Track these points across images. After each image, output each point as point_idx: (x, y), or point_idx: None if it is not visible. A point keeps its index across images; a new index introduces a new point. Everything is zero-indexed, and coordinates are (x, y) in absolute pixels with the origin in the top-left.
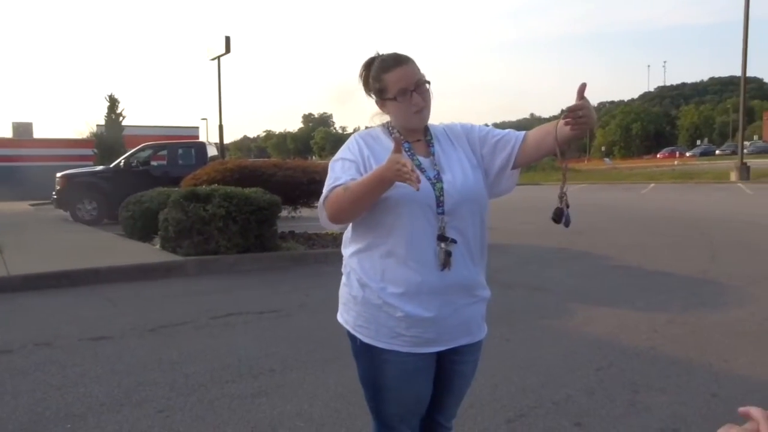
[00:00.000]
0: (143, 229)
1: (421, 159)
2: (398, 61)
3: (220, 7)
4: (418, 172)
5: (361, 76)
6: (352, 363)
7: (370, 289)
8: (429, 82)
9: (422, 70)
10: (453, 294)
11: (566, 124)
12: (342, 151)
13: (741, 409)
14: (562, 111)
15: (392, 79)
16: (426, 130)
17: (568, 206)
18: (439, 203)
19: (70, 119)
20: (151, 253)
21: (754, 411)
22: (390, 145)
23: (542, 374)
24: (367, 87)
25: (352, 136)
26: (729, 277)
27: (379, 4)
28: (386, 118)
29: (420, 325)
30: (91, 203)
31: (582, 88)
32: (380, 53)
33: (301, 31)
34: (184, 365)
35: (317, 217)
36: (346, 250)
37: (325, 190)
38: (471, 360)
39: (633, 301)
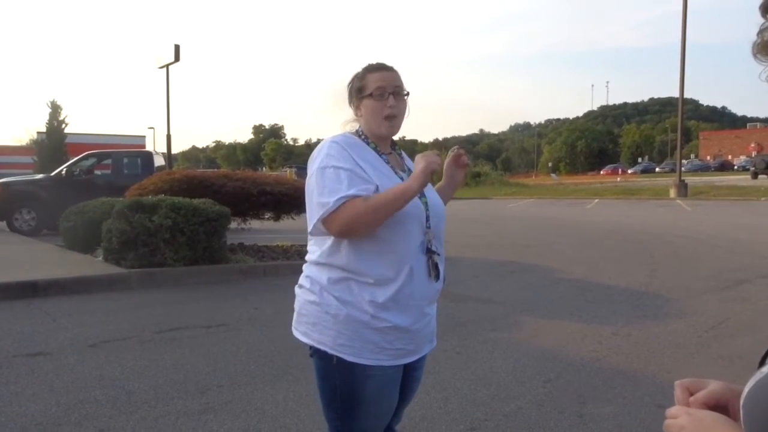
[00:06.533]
0: (85, 240)
1: (401, 173)
2: (384, 66)
3: (169, 15)
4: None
5: (349, 85)
6: (303, 377)
7: (355, 306)
8: (408, 93)
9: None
10: (428, 305)
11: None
12: (329, 158)
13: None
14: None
15: (373, 78)
16: (394, 143)
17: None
18: (427, 217)
19: (8, 125)
20: (93, 265)
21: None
22: (370, 152)
23: (493, 387)
24: (351, 94)
25: (330, 140)
26: (669, 291)
27: (335, 17)
28: (357, 126)
29: (405, 337)
30: (29, 213)
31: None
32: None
33: (253, 41)
34: (127, 382)
35: (268, 229)
36: (323, 271)
37: (330, 200)
38: (424, 365)
39: (579, 314)
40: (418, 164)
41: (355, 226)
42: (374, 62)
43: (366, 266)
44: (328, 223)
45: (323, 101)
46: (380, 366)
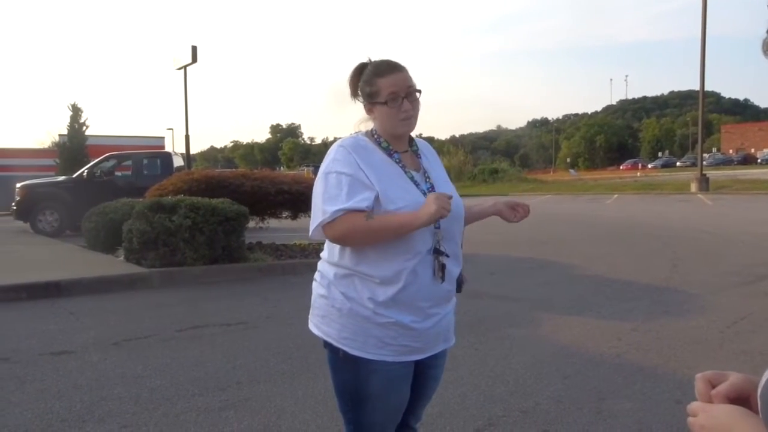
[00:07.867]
0: (107, 240)
1: (413, 173)
2: (392, 67)
3: (187, 16)
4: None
5: (351, 79)
6: (321, 374)
7: (357, 301)
8: (420, 91)
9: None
10: (433, 307)
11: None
12: (334, 163)
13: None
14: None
15: (385, 83)
16: (411, 140)
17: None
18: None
19: (31, 129)
20: (114, 265)
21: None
22: (379, 154)
23: (510, 383)
24: (356, 91)
25: (338, 144)
26: (690, 286)
27: (350, 16)
28: (371, 125)
29: (409, 335)
30: (52, 214)
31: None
32: (372, 59)
33: (269, 41)
34: (149, 379)
35: (285, 227)
36: (332, 267)
37: (328, 209)
38: (442, 363)
39: (598, 310)
40: (429, 205)
41: (348, 240)
42: (381, 62)
43: (368, 268)
44: (325, 230)
45: (325, 100)
46: (384, 361)
